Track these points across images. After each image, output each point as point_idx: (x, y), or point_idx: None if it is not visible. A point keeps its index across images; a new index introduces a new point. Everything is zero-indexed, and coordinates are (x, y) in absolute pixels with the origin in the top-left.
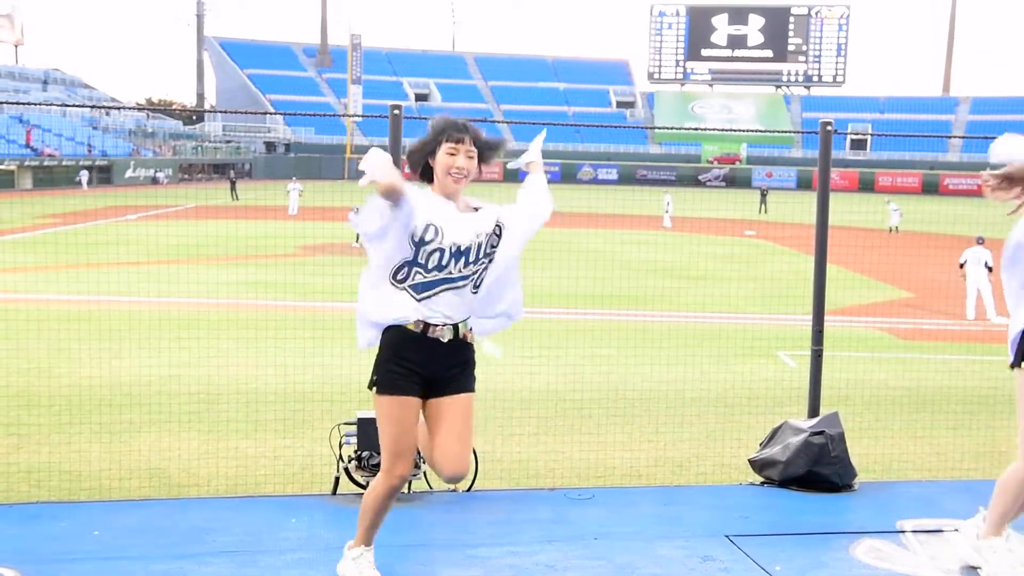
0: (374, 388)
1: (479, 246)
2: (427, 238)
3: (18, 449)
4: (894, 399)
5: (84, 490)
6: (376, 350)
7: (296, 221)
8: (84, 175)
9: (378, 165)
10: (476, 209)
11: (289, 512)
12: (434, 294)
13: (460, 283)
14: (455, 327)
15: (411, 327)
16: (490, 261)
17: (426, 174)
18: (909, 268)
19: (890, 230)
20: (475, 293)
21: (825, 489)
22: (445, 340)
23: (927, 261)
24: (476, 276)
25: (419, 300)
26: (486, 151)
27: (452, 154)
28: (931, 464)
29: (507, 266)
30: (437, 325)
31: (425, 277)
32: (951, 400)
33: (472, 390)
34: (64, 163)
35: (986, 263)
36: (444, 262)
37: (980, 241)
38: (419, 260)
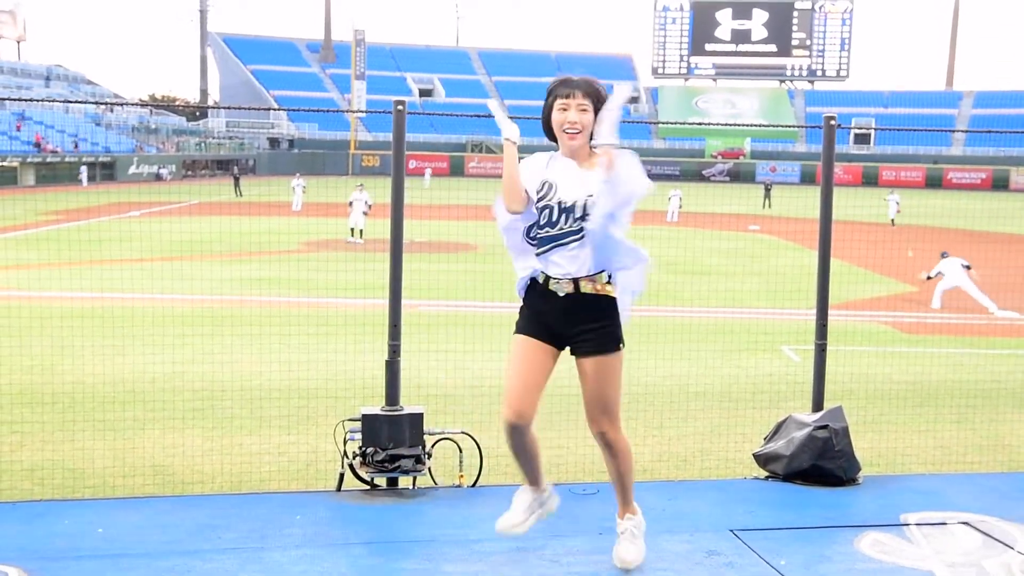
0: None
1: (585, 204)
2: (541, 194)
3: (21, 447)
4: (898, 393)
5: (88, 487)
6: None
7: (300, 217)
8: (84, 171)
9: (505, 122)
10: (606, 155)
11: (294, 509)
12: (548, 249)
13: (570, 239)
14: (575, 281)
15: (536, 276)
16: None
17: (548, 137)
18: (912, 262)
19: (892, 222)
20: (587, 248)
21: (829, 483)
22: (562, 294)
23: (930, 255)
24: (583, 232)
25: (539, 255)
26: (599, 102)
27: (564, 109)
28: (935, 457)
29: (603, 226)
30: (557, 279)
31: (540, 232)
32: (955, 394)
33: (606, 351)
34: (67, 159)
35: (962, 264)
36: (555, 218)
37: (944, 256)
38: (539, 219)
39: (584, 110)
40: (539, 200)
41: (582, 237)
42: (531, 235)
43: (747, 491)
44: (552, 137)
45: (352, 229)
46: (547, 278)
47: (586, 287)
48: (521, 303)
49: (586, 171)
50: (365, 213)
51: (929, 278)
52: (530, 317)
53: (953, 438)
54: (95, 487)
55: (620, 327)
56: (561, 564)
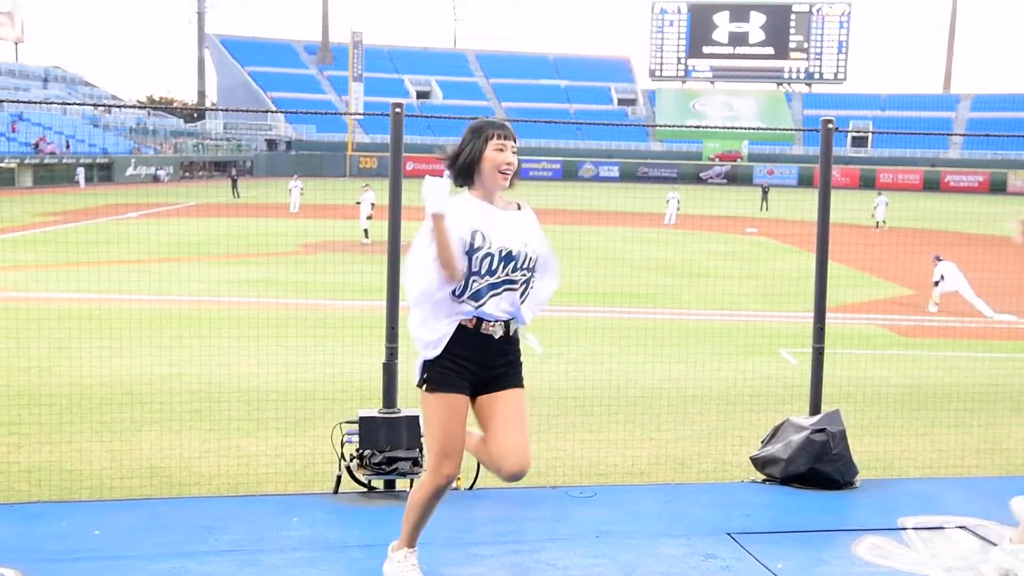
0: (424, 386)
1: (526, 256)
2: (476, 244)
3: (19, 448)
4: (895, 396)
5: (85, 489)
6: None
7: (297, 219)
8: (81, 173)
9: (437, 195)
10: (518, 207)
11: (291, 511)
12: (486, 299)
13: (509, 287)
14: (506, 324)
15: (466, 323)
16: (528, 281)
17: (462, 177)
18: (910, 265)
19: (878, 224)
20: (522, 300)
21: (827, 486)
22: (497, 336)
23: (928, 258)
24: (524, 283)
25: (476, 307)
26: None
27: (501, 150)
28: (932, 461)
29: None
30: (491, 322)
31: (479, 283)
32: (952, 397)
33: (522, 386)
34: (64, 161)
35: (955, 268)
36: (494, 266)
37: (938, 259)
38: (473, 268)
39: (515, 152)
40: (475, 250)
41: (524, 286)
42: (460, 292)
43: (744, 494)
44: (463, 177)
45: (366, 231)
46: (479, 322)
47: (512, 328)
48: (431, 359)
49: (511, 215)
50: (369, 216)
51: (936, 284)
52: (452, 370)
53: (951, 442)
54: (92, 488)
55: None
56: (558, 567)
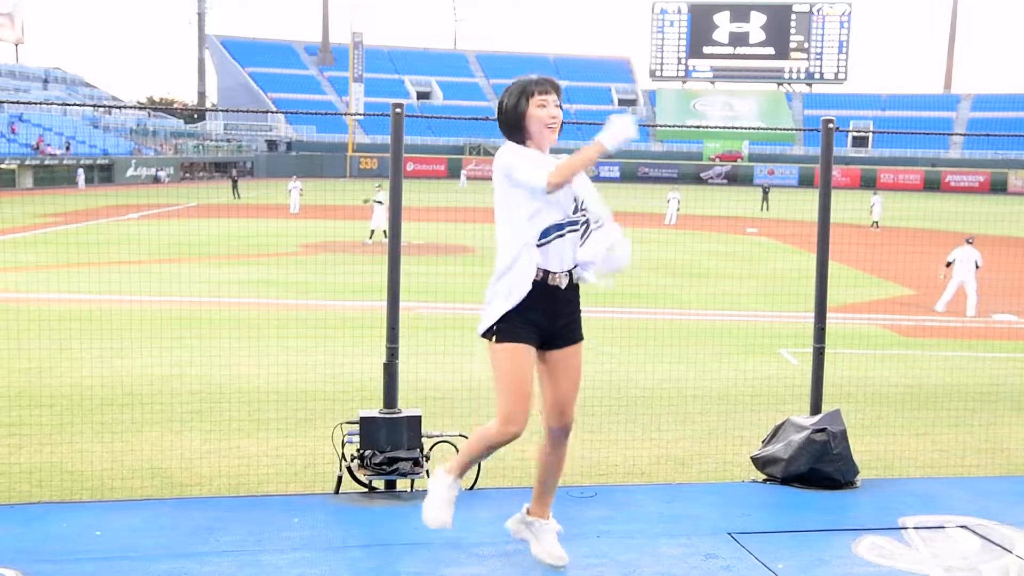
0: (492, 337)
1: (581, 201)
2: None
3: (20, 449)
4: (896, 396)
5: (86, 490)
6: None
7: (298, 219)
8: (81, 174)
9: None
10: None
11: (292, 511)
12: (550, 240)
13: (572, 228)
14: (569, 273)
15: (537, 277)
16: (587, 217)
17: (513, 133)
18: (911, 265)
19: (874, 224)
20: (580, 243)
21: (827, 486)
22: (563, 286)
23: (929, 258)
24: (581, 224)
25: (539, 246)
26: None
27: (543, 106)
28: (933, 461)
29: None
30: (556, 272)
31: (548, 220)
32: (952, 397)
33: (582, 337)
34: (65, 162)
35: (976, 262)
36: (564, 203)
37: (970, 241)
38: (544, 205)
39: (559, 106)
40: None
41: (583, 227)
42: (530, 227)
43: (745, 494)
44: (513, 134)
45: (384, 231)
46: (546, 274)
47: (575, 278)
48: (506, 310)
49: None
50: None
51: (948, 264)
52: (521, 323)
53: (951, 441)
54: (93, 489)
55: None
56: (558, 568)
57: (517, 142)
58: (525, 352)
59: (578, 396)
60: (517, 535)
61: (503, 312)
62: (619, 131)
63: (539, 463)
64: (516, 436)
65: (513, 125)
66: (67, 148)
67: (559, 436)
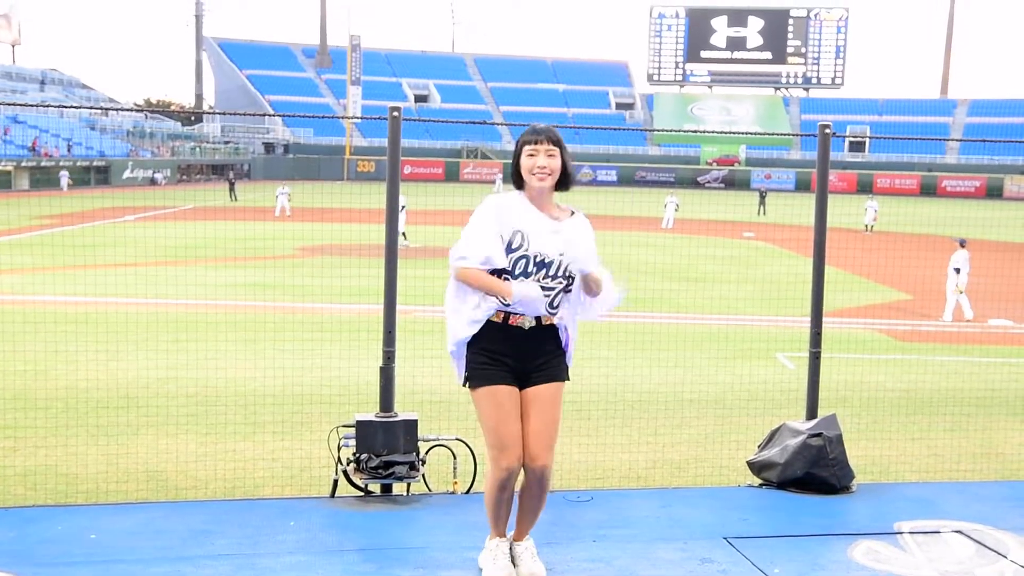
0: (467, 384)
1: (559, 264)
2: (515, 245)
3: (14, 451)
4: (892, 401)
5: (81, 493)
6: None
7: (294, 222)
8: (65, 176)
9: (526, 302)
10: (571, 213)
11: (287, 515)
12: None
13: (546, 291)
14: (536, 317)
15: (493, 318)
16: (565, 289)
17: (514, 180)
18: (907, 270)
19: (866, 228)
20: (554, 307)
21: (823, 491)
22: (527, 327)
23: (925, 263)
24: (560, 291)
25: (504, 304)
26: (566, 153)
27: (532, 155)
28: (929, 465)
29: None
30: (518, 315)
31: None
32: (948, 402)
33: (562, 378)
34: (61, 164)
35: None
36: (529, 270)
37: (962, 244)
38: (507, 267)
39: (551, 155)
40: (514, 250)
41: (558, 293)
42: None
43: (741, 499)
44: (519, 183)
45: (403, 233)
46: (507, 316)
47: (545, 320)
48: (465, 357)
49: (556, 224)
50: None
51: (958, 271)
52: (489, 364)
53: (947, 446)
54: (88, 492)
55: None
56: (555, 572)
57: (517, 187)
58: (502, 393)
59: (553, 439)
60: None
61: (464, 340)
62: (525, 298)
63: (520, 493)
64: (513, 469)
65: (515, 171)
66: (69, 150)
67: (532, 479)
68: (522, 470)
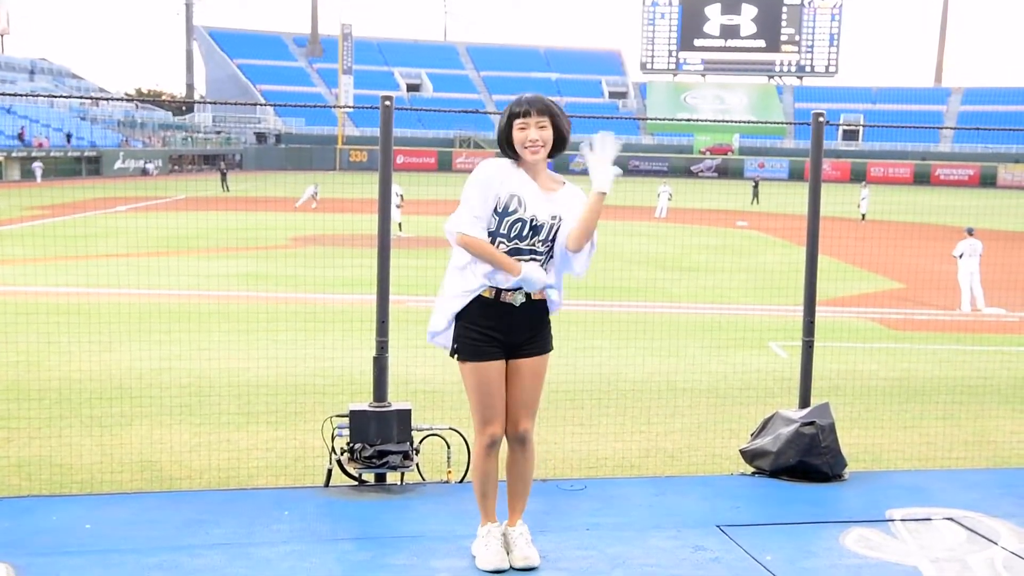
0: (455, 356)
1: (551, 227)
2: (511, 208)
3: (8, 442)
4: (884, 389)
5: (75, 483)
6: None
7: (288, 212)
8: (39, 168)
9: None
10: (563, 184)
11: (282, 504)
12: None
13: (535, 256)
14: (527, 292)
15: (485, 294)
16: (550, 254)
17: (507, 152)
18: (900, 259)
19: (863, 217)
20: (547, 266)
21: (816, 479)
22: (518, 304)
23: (918, 252)
24: (546, 255)
25: (493, 269)
26: (555, 117)
27: (523, 128)
28: (921, 453)
29: (562, 253)
30: (509, 290)
31: (504, 247)
32: (941, 390)
33: (546, 350)
34: (52, 154)
35: (979, 253)
36: (524, 233)
37: (970, 232)
38: (501, 230)
39: (542, 127)
40: (509, 213)
41: (545, 257)
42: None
43: (734, 487)
44: (509, 153)
45: (399, 224)
46: (499, 291)
47: (536, 295)
48: (454, 328)
49: (549, 193)
50: (399, 206)
51: (960, 256)
52: (480, 339)
53: (939, 434)
54: (83, 483)
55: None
56: (548, 560)
57: (511, 158)
58: (490, 368)
59: (535, 407)
60: (476, 548)
61: (454, 312)
62: (531, 275)
63: (507, 470)
64: (497, 436)
65: (503, 143)
66: (68, 140)
67: (514, 444)
68: (504, 439)
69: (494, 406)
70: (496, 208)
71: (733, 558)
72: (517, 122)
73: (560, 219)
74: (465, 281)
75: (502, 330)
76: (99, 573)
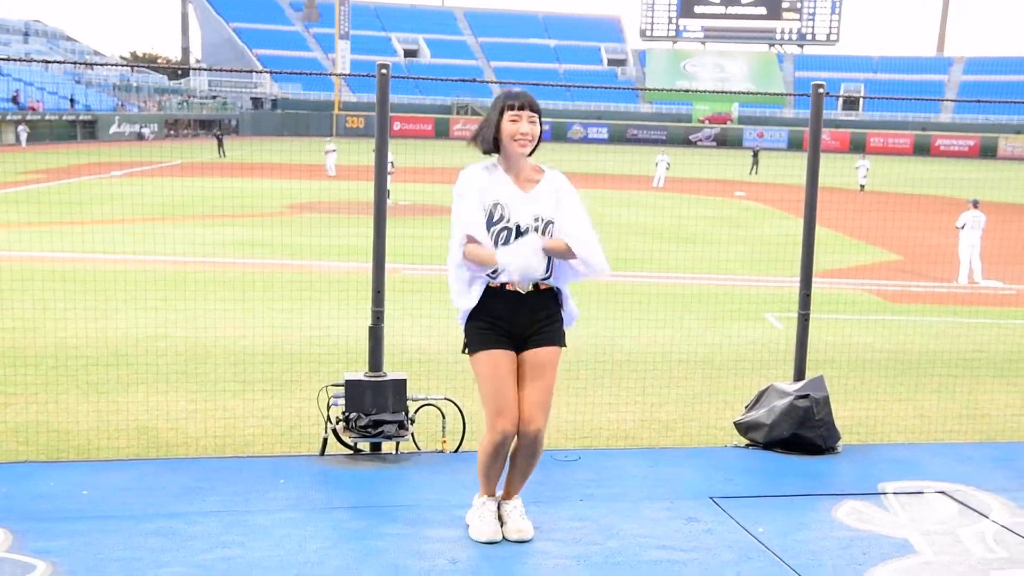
0: (466, 350)
1: (535, 229)
2: (495, 217)
3: (5, 407)
4: (879, 362)
5: (72, 448)
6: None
7: (283, 179)
8: (24, 132)
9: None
10: (542, 172)
11: (277, 472)
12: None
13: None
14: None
15: (491, 284)
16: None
17: (488, 145)
18: (898, 231)
19: (861, 188)
20: (545, 273)
21: (809, 452)
22: (524, 292)
23: (916, 224)
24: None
25: (492, 274)
26: (541, 119)
27: (515, 121)
28: (914, 426)
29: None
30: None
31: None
32: (935, 363)
33: (558, 342)
34: (47, 117)
35: (982, 226)
36: (511, 240)
37: (975, 204)
38: (495, 240)
39: (532, 122)
40: (495, 222)
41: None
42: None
43: (728, 459)
44: (491, 147)
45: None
46: (504, 282)
47: (543, 285)
48: (467, 324)
49: (530, 191)
50: (390, 173)
51: (962, 228)
52: (488, 330)
53: (933, 407)
54: (80, 448)
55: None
56: (542, 530)
57: (489, 152)
58: (499, 357)
59: (548, 404)
60: (470, 519)
61: (467, 310)
62: (511, 260)
63: (512, 453)
64: (509, 432)
65: (489, 135)
66: (72, 104)
67: (525, 441)
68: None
69: (505, 395)
70: (485, 218)
71: (726, 530)
72: (509, 114)
73: (543, 220)
74: (467, 290)
75: (509, 320)
76: (96, 539)
